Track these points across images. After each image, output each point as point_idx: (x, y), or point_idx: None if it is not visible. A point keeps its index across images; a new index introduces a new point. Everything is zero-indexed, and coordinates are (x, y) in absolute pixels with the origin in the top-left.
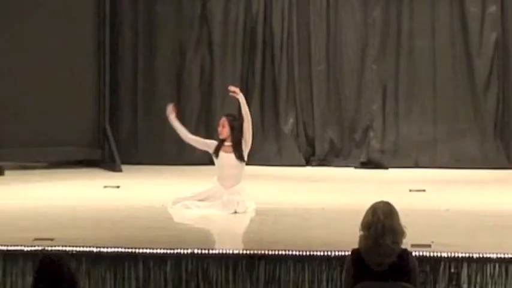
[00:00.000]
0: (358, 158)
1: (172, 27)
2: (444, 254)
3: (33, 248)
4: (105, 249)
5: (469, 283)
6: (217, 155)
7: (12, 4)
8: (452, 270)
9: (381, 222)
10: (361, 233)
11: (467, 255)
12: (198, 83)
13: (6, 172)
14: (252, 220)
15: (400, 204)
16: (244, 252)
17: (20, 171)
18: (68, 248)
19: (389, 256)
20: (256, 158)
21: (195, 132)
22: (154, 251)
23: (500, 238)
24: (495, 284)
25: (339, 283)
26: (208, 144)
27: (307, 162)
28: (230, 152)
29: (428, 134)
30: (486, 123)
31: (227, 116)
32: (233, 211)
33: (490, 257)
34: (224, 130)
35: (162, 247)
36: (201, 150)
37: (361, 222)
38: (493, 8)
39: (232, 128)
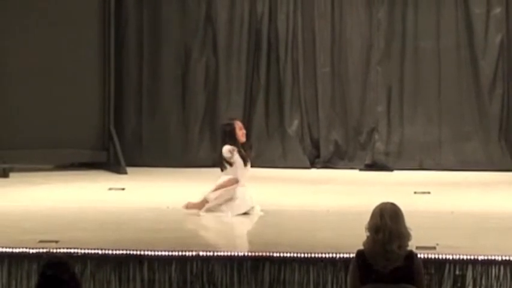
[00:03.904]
0: (363, 160)
1: (177, 29)
2: (449, 256)
3: (38, 250)
4: (110, 251)
5: (474, 285)
6: (246, 162)
7: (17, 6)
8: (457, 272)
9: (388, 227)
10: (368, 234)
11: (472, 257)
12: (203, 85)
13: (11, 174)
14: (256, 222)
15: (404, 207)
16: (249, 254)
17: (24, 174)
18: (72, 250)
19: (395, 261)
20: (261, 160)
21: (199, 133)
22: (159, 253)
23: (505, 240)
24: (500, 286)
25: (344, 285)
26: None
27: (312, 164)
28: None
29: (433, 136)
30: (491, 125)
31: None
32: (252, 205)
33: (495, 259)
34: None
35: (167, 249)
36: (205, 152)
37: (368, 224)
38: (498, 10)
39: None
